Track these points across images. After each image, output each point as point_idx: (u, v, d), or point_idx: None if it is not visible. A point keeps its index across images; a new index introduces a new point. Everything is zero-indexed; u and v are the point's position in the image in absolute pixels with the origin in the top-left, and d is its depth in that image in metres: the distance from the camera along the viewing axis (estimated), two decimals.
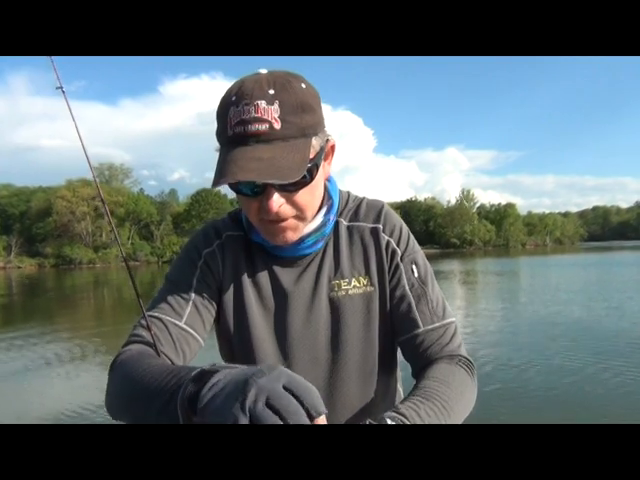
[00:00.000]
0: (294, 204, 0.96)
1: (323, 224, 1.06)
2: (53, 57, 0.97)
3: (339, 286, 1.08)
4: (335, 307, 1.07)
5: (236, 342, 1.10)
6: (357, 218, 1.11)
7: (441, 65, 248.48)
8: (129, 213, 72.36)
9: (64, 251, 66.46)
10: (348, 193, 1.16)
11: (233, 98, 0.90)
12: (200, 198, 74.31)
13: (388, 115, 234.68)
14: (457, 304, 13.36)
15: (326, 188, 1.08)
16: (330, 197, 1.09)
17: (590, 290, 15.96)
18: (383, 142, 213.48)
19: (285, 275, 1.09)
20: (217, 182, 0.87)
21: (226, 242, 1.11)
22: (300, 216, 0.99)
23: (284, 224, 0.98)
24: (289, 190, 0.94)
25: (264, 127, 0.87)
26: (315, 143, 0.94)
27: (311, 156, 0.93)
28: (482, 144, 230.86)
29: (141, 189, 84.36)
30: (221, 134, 0.92)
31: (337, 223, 1.11)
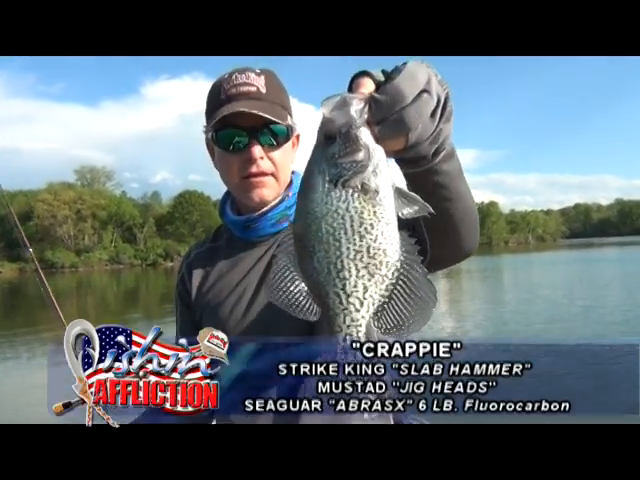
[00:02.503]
0: (272, 160, 1.12)
1: (286, 207, 1.16)
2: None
3: None
4: None
5: (205, 322, 1.19)
6: None
7: None
8: (111, 216, 71.44)
9: (46, 255, 65.41)
10: None
11: (225, 75, 1.10)
12: (183, 200, 73.64)
13: None
14: (440, 305, 13.42)
15: (292, 182, 1.20)
16: (292, 184, 1.19)
17: (571, 288, 16.11)
18: None
19: (247, 258, 1.21)
20: (213, 117, 1.06)
21: (193, 258, 1.29)
22: (276, 175, 1.14)
23: (262, 179, 1.12)
24: (270, 145, 1.10)
25: (253, 89, 1.08)
26: (290, 121, 1.12)
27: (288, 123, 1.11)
28: (464, 143, 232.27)
29: (123, 191, 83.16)
30: (214, 102, 1.09)
31: None
